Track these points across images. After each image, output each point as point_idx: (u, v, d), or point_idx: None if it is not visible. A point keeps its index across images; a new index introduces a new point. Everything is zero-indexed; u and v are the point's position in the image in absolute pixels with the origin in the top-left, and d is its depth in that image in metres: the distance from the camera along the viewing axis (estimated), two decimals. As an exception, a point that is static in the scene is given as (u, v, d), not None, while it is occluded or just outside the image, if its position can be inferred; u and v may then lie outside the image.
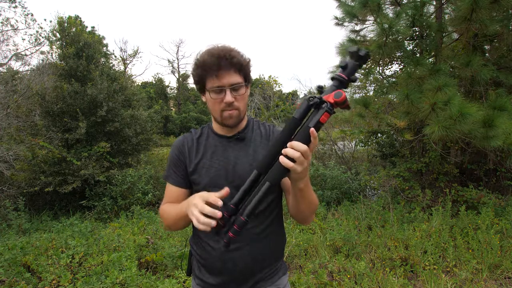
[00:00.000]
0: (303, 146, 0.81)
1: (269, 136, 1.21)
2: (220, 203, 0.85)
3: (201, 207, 0.85)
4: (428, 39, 4.63)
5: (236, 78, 1.08)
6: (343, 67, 0.85)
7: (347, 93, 6.91)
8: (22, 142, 7.14)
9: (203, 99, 1.17)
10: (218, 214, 0.83)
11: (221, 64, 1.05)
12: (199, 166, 1.17)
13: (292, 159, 0.82)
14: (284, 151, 0.83)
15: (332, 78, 0.86)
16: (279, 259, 1.23)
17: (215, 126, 1.22)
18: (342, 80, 0.84)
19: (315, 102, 0.83)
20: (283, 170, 0.84)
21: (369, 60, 0.79)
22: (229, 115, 1.11)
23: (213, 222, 0.84)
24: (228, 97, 1.07)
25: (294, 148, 0.81)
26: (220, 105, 1.10)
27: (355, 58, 0.84)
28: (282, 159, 0.82)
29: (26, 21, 9.17)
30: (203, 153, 1.19)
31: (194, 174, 1.18)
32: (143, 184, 7.59)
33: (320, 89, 0.87)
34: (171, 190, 1.22)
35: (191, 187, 1.22)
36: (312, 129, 0.81)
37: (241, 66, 1.09)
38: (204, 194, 0.88)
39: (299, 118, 0.85)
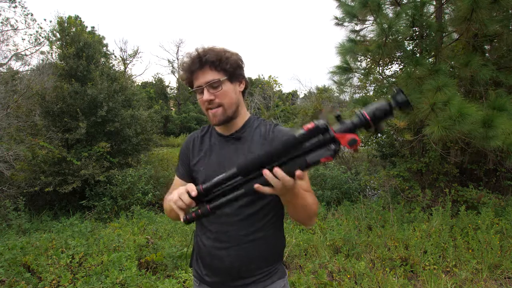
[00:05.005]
0: (286, 178, 0.82)
1: (267, 135, 1.17)
2: (194, 193, 0.93)
3: (181, 194, 0.95)
4: (428, 39, 4.63)
5: (212, 75, 1.08)
6: (373, 110, 0.74)
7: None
8: (22, 142, 7.14)
9: None
10: (193, 203, 0.95)
11: (193, 65, 1.08)
12: (198, 163, 1.21)
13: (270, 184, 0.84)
14: (265, 174, 0.82)
15: (356, 115, 0.75)
16: (273, 263, 1.19)
17: None
18: (365, 122, 0.74)
19: (325, 138, 0.76)
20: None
21: (408, 109, 0.72)
22: (213, 114, 1.12)
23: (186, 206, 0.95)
24: (205, 95, 1.09)
25: (278, 177, 0.82)
26: (204, 105, 1.12)
27: (394, 103, 0.72)
28: (257, 186, 0.84)
29: (26, 21, 9.12)
30: (204, 151, 1.22)
31: (193, 171, 1.22)
32: (143, 184, 7.59)
33: (338, 118, 0.78)
34: (176, 181, 1.28)
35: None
36: (299, 172, 0.79)
37: (213, 62, 1.08)
38: (187, 186, 0.97)
39: (300, 141, 0.79)
